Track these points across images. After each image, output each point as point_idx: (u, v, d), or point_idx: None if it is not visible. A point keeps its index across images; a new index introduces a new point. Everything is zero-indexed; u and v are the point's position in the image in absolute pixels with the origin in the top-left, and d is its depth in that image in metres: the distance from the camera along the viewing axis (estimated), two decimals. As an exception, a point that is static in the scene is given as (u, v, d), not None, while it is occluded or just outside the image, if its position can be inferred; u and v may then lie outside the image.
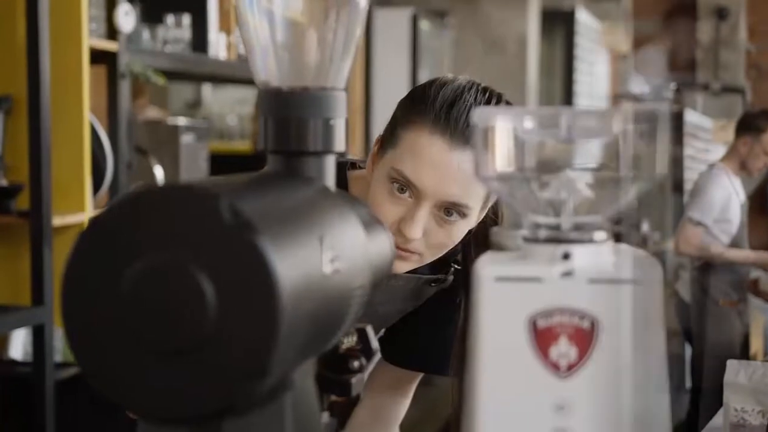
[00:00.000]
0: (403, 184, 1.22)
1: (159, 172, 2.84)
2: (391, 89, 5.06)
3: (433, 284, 1.40)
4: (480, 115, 0.70)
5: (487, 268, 0.69)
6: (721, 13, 9.20)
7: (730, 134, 8.47)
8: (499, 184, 0.71)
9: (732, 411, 1.93)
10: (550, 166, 0.72)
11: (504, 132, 0.71)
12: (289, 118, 0.79)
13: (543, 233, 0.71)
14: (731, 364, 2.04)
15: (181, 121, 3.10)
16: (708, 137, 7.75)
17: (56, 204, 2.39)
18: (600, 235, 0.70)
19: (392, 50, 4.93)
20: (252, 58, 0.82)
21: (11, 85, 2.40)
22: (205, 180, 0.67)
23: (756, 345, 4.61)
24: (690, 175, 7.26)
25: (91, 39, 2.50)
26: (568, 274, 0.67)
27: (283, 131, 0.79)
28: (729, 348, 4.28)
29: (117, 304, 0.61)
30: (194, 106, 5.36)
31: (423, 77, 6.16)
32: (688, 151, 7.02)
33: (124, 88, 2.63)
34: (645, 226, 6.40)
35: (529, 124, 0.70)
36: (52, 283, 2.33)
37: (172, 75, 3.14)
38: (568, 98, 7.36)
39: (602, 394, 0.67)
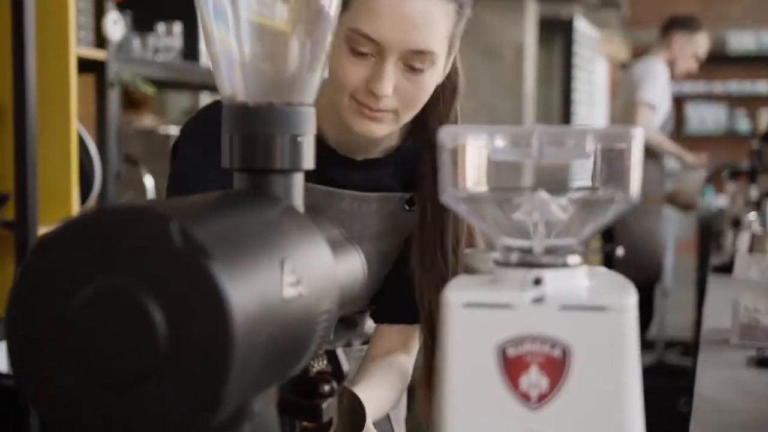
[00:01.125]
0: (363, 44, 1.19)
1: (149, 182, 2.82)
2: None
3: (408, 207, 1.37)
4: (448, 133, 0.67)
5: (455, 293, 0.66)
6: None
7: (613, 47, 8.48)
8: (468, 206, 0.68)
9: (742, 310, 1.81)
10: (521, 187, 0.69)
11: (473, 151, 0.68)
12: (255, 135, 0.77)
13: (515, 257, 0.68)
14: (741, 258, 1.91)
15: (174, 130, 3.08)
16: (593, 47, 7.78)
17: (43, 214, 2.36)
18: (573, 258, 0.67)
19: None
20: (217, 72, 0.80)
21: (-3, 92, 2.38)
22: (162, 201, 0.64)
23: None
24: (576, 85, 7.29)
25: (79, 47, 2.47)
26: (539, 300, 0.65)
27: (249, 148, 0.77)
28: (654, 245, 4.31)
29: (63, 330, 0.59)
30: (191, 114, 5.34)
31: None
32: (574, 59, 7.08)
33: (113, 97, 2.60)
34: None
35: (499, 143, 0.67)
36: (36, 295, 2.29)
37: (166, 83, 3.12)
38: (566, 106, 7.34)
39: (574, 426, 0.64)
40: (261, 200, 0.73)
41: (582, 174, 0.69)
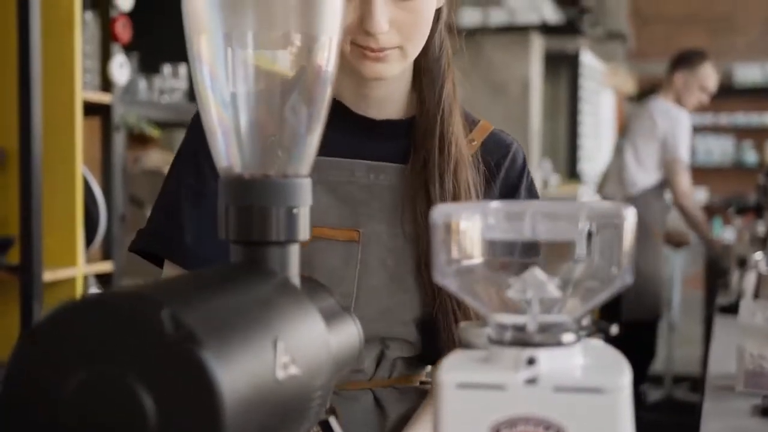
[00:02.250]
0: None
1: (154, 223, 2.81)
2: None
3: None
4: (440, 212, 0.67)
5: (449, 373, 0.65)
6: None
7: (619, 79, 8.50)
8: (460, 283, 0.68)
9: (747, 357, 1.78)
10: (515, 264, 0.69)
11: (465, 228, 0.68)
12: (251, 207, 0.77)
13: (508, 335, 0.68)
14: (745, 304, 1.88)
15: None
16: (599, 80, 7.80)
17: (47, 258, 2.37)
18: (568, 337, 0.67)
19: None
20: (213, 143, 0.80)
21: (4, 138, 2.39)
22: (153, 284, 0.64)
23: None
24: (582, 119, 7.30)
25: (85, 91, 2.49)
26: (532, 381, 0.64)
27: (245, 221, 0.77)
28: (655, 282, 4.29)
29: (54, 418, 0.58)
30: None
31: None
32: (580, 92, 7.09)
33: (119, 140, 2.62)
34: (547, 166, 6.37)
35: (492, 220, 0.67)
36: (40, 340, 2.29)
37: (172, 124, 3.13)
38: (572, 139, 7.35)
39: None
40: (255, 275, 0.73)
41: (578, 248, 0.69)
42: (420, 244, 1.21)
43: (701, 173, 10.12)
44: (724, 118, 10.05)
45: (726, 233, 7.38)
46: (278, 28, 0.77)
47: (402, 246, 1.22)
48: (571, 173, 7.31)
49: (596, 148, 8.09)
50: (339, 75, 1.25)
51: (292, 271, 0.78)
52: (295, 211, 0.77)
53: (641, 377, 4.49)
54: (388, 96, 1.27)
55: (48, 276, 2.35)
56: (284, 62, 0.78)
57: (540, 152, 6.10)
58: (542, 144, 6.33)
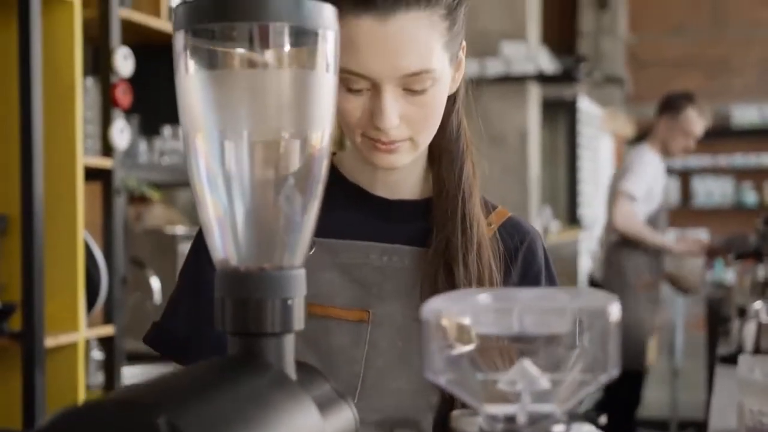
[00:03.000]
0: (354, 81, 1.13)
1: (156, 284, 2.84)
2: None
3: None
4: (429, 308, 0.69)
5: (440, 467, 0.67)
6: (602, 2, 9.29)
7: (617, 123, 8.52)
8: (451, 376, 0.70)
9: (747, 413, 1.77)
10: (505, 357, 0.71)
11: (456, 323, 0.70)
12: (247, 300, 0.78)
13: (499, 426, 0.69)
14: (744, 360, 1.88)
15: (180, 229, 3.11)
16: (597, 125, 7.82)
17: (49, 323, 2.38)
18: (558, 428, 0.69)
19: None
20: (209, 236, 0.82)
21: (6, 204, 2.42)
22: (151, 384, 0.66)
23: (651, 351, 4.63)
24: (581, 164, 7.31)
25: (86, 157, 2.52)
26: (523, 473, 0.66)
27: (241, 313, 0.79)
28: (638, 333, 4.25)
29: None
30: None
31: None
32: (578, 139, 7.10)
33: (119, 203, 2.64)
34: (548, 212, 6.37)
35: (481, 315, 0.69)
36: (44, 407, 2.30)
37: (173, 185, 3.16)
38: (571, 186, 7.38)
39: None
40: (251, 369, 0.75)
41: (566, 342, 0.70)
42: None
43: (701, 215, 10.14)
44: (723, 160, 10.08)
45: (727, 274, 7.38)
46: (272, 126, 0.79)
47: (417, 328, 1.23)
48: (572, 219, 7.33)
49: (596, 193, 8.12)
50: (353, 160, 1.27)
51: (288, 361, 0.79)
52: (290, 302, 0.79)
53: (629, 426, 4.48)
54: (403, 179, 1.27)
55: (50, 342, 2.36)
56: (279, 157, 0.80)
57: (539, 199, 6.13)
58: (542, 191, 6.36)
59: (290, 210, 0.82)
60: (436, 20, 1.13)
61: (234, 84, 0.78)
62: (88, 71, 2.71)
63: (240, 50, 0.89)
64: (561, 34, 9.48)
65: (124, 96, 2.61)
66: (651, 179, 4.31)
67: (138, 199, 3.45)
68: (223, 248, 0.81)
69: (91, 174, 2.58)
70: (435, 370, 0.70)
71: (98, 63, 2.69)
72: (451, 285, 1.20)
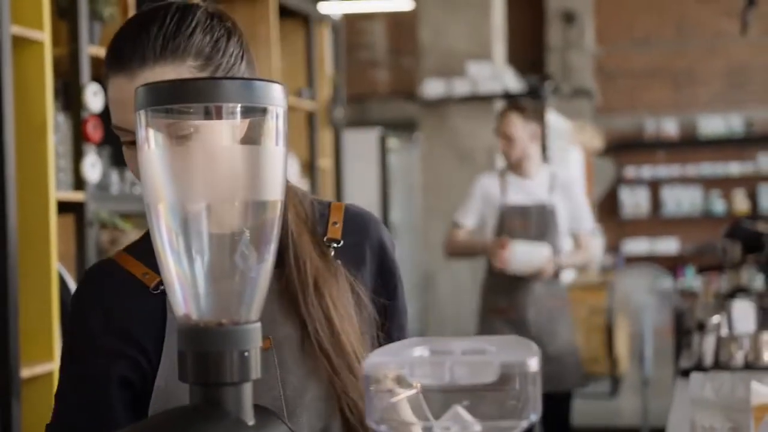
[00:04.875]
0: (122, 134, 1.19)
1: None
2: (363, 207, 5.16)
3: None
4: (372, 364, 0.77)
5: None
6: (569, 17, 9.41)
7: (586, 135, 8.62)
8: (390, 424, 0.77)
9: (699, 430, 1.80)
10: (438, 403, 0.78)
11: (393, 376, 0.77)
12: (206, 353, 0.86)
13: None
14: (695, 377, 1.94)
15: (152, 256, 3.16)
16: (566, 137, 7.94)
17: (24, 355, 2.44)
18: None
19: (363, 169, 5.05)
20: (171, 293, 0.89)
21: (-20, 239, 2.47)
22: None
23: None
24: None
25: (58, 191, 2.58)
26: None
27: (202, 365, 0.86)
28: (575, 349, 4.19)
29: None
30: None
31: (394, 192, 6.31)
32: (548, 152, 7.18)
33: (92, 235, 2.70)
34: None
35: (417, 369, 0.77)
36: (20, 437, 2.36)
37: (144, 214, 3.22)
38: (542, 199, 7.48)
39: None
40: (211, 417, 0.82)
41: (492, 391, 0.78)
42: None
43: (671, 223, 10.29)
44: (691, 169, 10.25)
45: (697, 282, 7.49)
46: (227, 194, 0.86)
47: (307, 338, 1.26)
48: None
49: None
50: None
51: (246, 408, 0.87)
52: (246, 354, 0.87)
53: None
54: None
55: (25, 372, 2.42)
56: (233, 221, 0.88)
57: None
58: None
59: (246, 268, 0.89)
60: (190, 69, 1.18)
61: (191, 158, 0.86)
62: (59, 107, 2.77)
63: (196, 128, 0.97)
64: (529, 48, 9.62)
65: (94, 131, 2.68)
66: (481, 203, 4.08)
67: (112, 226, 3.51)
68: (185, 305, 0.88)
69: (64, 207, 2.64)
70: (375, 418, 0.77)
71: (69, 98, 2.76)
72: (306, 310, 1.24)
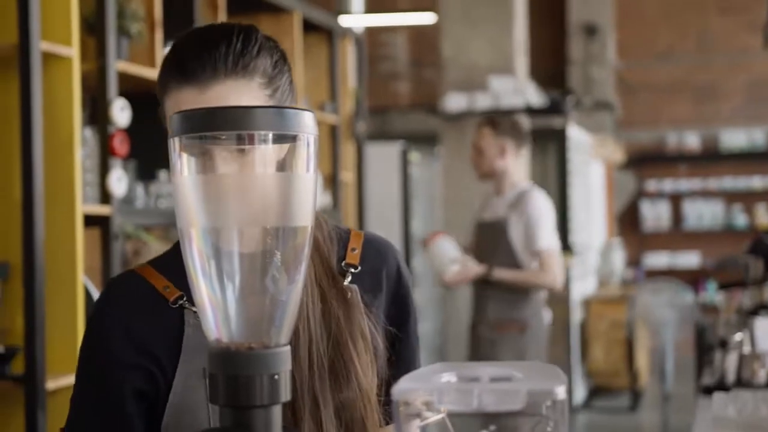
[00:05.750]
0: None
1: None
2: (385, 220, 5.19)
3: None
4: (399, 390, 0.78)
5: None
6: (591, 30, 9.38)
7: (607, 149, 8.58)
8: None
9: None
10: (467, 430, 0.80)
11: (423, 402, 0.79)
12: (236, 376, 0.87)
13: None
14: (718, 397, 1.94)
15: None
16: (587, 151, 7.91)
17: (50, 367, 2.46)
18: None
19: (384, 182, 5.07)
20: (203, 317, 0.91)
21: (7, 252, 2.50)
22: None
23: None
24: (571, 191, 7.40)
25: (85, 205, 2.61)
26: None
27: (232, 388, 0.88)
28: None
29: None
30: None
31: (415, 205, 6.33)
32: (569, 166, 7.16)
33: (117, 248, 2.73)
34: None
35: (444, 396, 0.78)
36: (46, 449, 2.38)
37: (170, 224, 3.25)
38: (563, 212, 7.47)
39: None
40: (242, 440, 0.84)
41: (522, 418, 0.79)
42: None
43: (693, 237, 10.25)
44: (713, 183, 10.21)
45: (718, 297, 7.45)
46: (258, 221, 0.88)
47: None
48: (563, 245, 7.41)
49: (587, 220, 8.21)
50: None
51: (275, 430, 0.88)
52: (276, 377, 0.88)
53: None
54: None
55: (51, 384, 2.45)
56: (265, 246, 0.89)
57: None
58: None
59: (276, 291, 0.91)
60: (254, 87, 1.21)
61: (224, 185, 0.88)
62: (86, 121, 2.80)
63: (228, 155, 0.98)
64: (550, 62, 9.62)
65: (121, 145, 2.71)
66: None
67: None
68: (216, 329, 0.90)
69: (90, 221, 2.67)
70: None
71: (96, 113, 2.79)
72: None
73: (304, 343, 1.24)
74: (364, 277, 1.31)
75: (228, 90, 1.18)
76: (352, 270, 1.30)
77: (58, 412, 2.49)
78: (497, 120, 4.07)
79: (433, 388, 0.78)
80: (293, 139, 0.87)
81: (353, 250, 1.32)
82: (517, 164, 4.02)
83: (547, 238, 3.90)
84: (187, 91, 1.19)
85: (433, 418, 0.79)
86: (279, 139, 0.87)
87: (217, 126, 0.86)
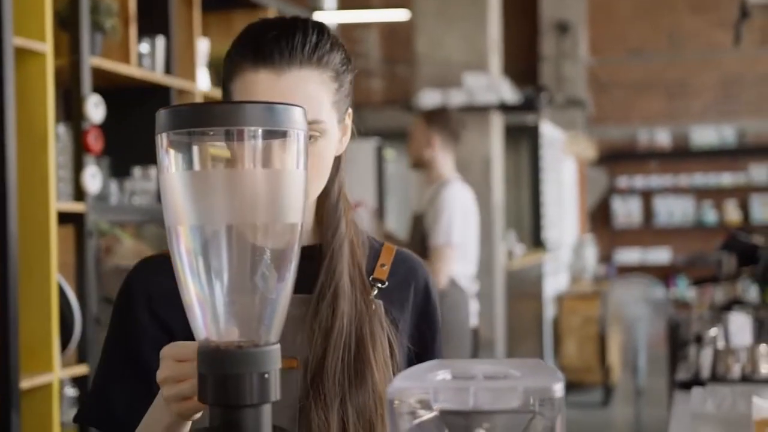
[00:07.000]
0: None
1: (127, 322, 2.88)
2: (359, 216, 5.16)
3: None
4: (394, 388, 0.77)
5: None
6: (563, 27, 9.43)
7: (579, 146, 8.63)
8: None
9: None
10: (462, 428, 0.79)
11: (417, 400, 0.78)
12: (226, 375, 0.86)
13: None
14: (697, 392, 1.94)
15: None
16: (560, 148, 7.96)
17: (24, 366, 2.43)
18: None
19: (359, 179, 5.05)
20: (192, 316, 0.89)
21: (-20, 250, 2.47)
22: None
23: None
24: (544, 187, 7.46)
25: (59, 202, 2.58)
26: None
27: (222, 387, 0.86)
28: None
29: None
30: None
31: (390, 203, 6.32)
32: (542, 162, 7.20)
33: (91, 245, 2.70)
34: (512, 237, 6.50)
35: (438, 395, 0.77)
36: (20, 448, 2.35)
37: (144, 222, 3.22)
38: (535, 208, 7.50)
39: None
40: (232, 440, 0.82)
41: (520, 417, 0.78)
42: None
43: (663, 233, 10.31)
44: (684, 180, 10.28)
45: (689, 293, 7.50)
46: (247, 218, 0.87)
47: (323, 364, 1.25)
48: (536, 242, 7.44)
49: (560, 216, 8.25)
50: None
51: (265, 429, 0.87)
52: (266, 375, 0.87)
53: None
54: None
55: (25, 383, 2.41)
56: (254, 243, 0.88)
57: (504, 224, 6.23)
58: (506, 215, 6.46)
59: (266, 289, 0.90)
60: (325, 79, 1.23)
61: (212, 181, 0.86)
62: (59, 117, 2.77)
63: (217, 152, 0.97)
64: (524, 58, 9.64)
65: (95, 142, 2.68)
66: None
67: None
68: (205, 327, 0.89)
69: (64, 218, 2.64)
70: (399, 442, 0.78)
71: (70, 109, 2.75)
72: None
73: (337, 340, 1.23)
74: (391, 293, 1.31)
75: (302, 78, 1.19)
76: (379, 285, 1.30)
77: (32, 412, 2.46)
78: (432, 113, 4.17)
79: (428, 386, 0.77)
80: (283, 135, 0.86)
81: (383, 265, 1.32)
82: (444, 158, 4.03)
83: (443, 234, 3.84)
84: (264, 74, 1.19)
85: (428, 416, 0.78)
86: (268, 134, 0.85)
87: (206, 122, 0.85)
